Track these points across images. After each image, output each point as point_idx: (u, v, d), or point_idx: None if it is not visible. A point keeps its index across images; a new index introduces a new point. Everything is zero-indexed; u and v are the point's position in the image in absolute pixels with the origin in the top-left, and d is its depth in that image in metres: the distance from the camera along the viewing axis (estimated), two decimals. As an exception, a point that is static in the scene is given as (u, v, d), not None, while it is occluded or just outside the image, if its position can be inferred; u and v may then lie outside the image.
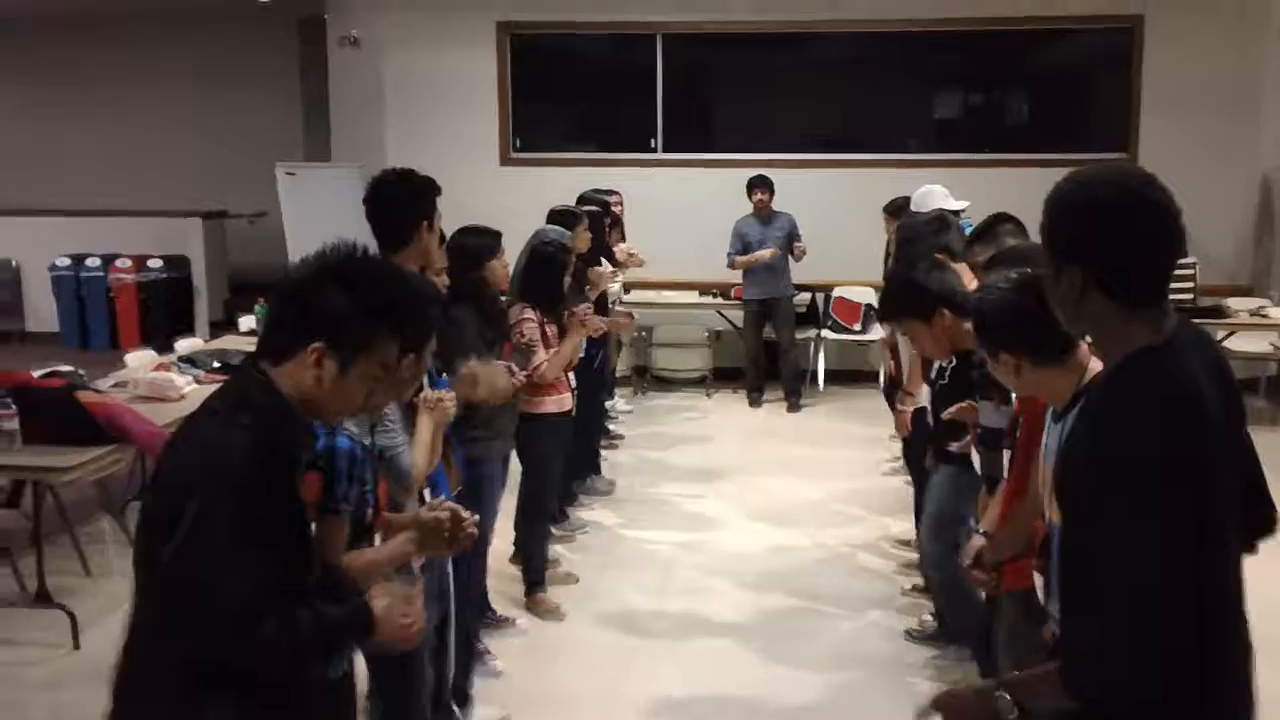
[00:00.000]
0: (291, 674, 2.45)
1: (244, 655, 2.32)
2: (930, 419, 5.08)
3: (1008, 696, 2.35)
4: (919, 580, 6.35)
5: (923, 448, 5.44)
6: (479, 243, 5.13)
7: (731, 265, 10.66)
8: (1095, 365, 2.80)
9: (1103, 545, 2.15)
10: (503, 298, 5.62)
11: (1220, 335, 8.88)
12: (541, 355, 5.74)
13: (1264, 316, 10.03)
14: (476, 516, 3.18)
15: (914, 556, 6.62)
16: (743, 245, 10.60)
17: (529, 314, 5.76)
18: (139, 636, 2.42)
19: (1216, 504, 2.15)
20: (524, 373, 5.40)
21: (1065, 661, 2.24)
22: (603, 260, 7.70)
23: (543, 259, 5.89)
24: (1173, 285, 2.32)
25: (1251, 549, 2.45)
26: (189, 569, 2.25)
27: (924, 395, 5.36)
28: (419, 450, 3.67)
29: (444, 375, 4.36)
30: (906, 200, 7.78)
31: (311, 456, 2.50)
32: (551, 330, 5.86)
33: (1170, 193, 2.23)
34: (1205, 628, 2.14)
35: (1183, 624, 2.09)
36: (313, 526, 2.51)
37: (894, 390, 6.43)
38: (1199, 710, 2.20)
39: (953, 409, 4.50)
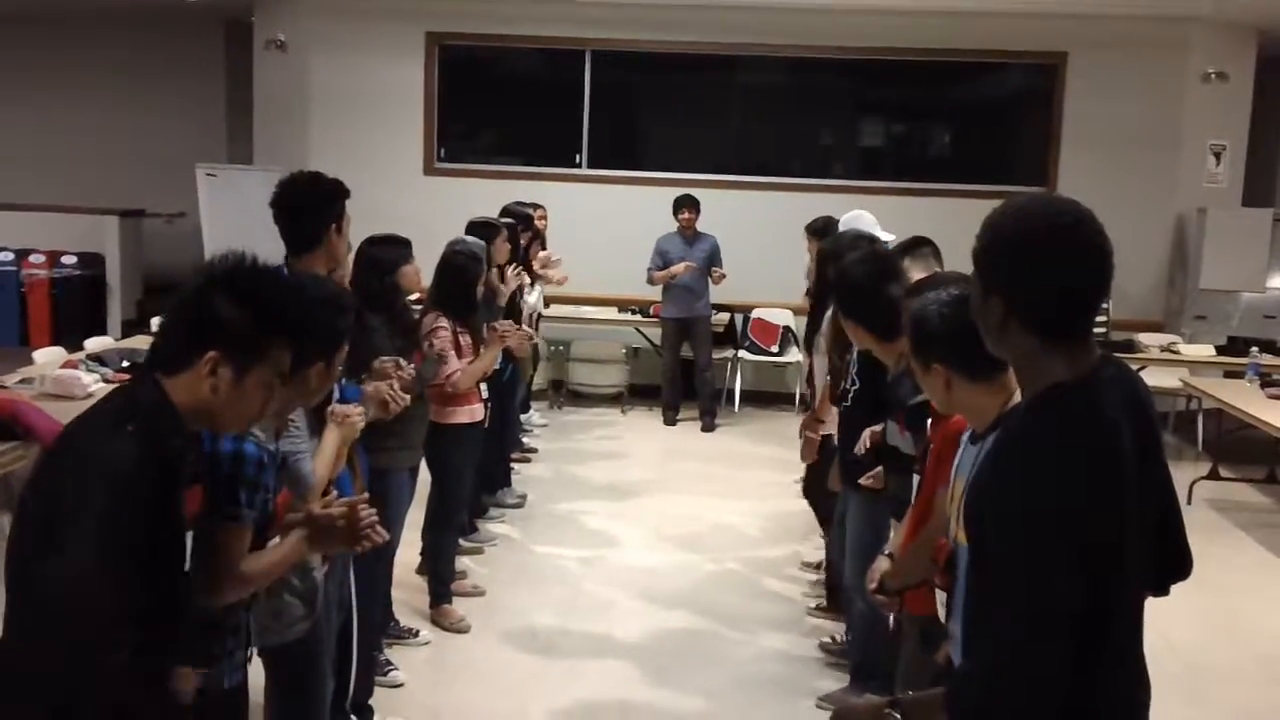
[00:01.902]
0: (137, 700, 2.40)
1: (99, 674, 2.27)
2: (835, 441, 5.14)
3: (898, 716, 2.36)
4: (823, 601, 6.41)
5: (827, 468, 5.47)
6: (389, 251, 5.11)
7: (650, 281, 10.69)
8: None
9: (996, 585, 2.16)
10: (417, 306, 5.60)
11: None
12: (455, 364, 5.73)
13: (1174, 353, 10.24)
14: (374, 511, 3.13)
15: (819, 578, 6.68)
16: (664, 262, 10.64)
17: (442, 322, 5.75)
18: (12, 638, 2.37)
19: (1119, 548, 2.14)
20: (441, 377, 5.41)
21: (951, 687, 2.26)
22: (525, 282, 7.71)
23: (453, 269, 5.89)
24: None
25: (1163, 591, 2.46)
26: (58, 579, 2.21)
27: (833, 422, 5.39)
28: (322, 459, 3.64)
29: (356, 384, 4.35)
30: (829, 220, 7.82)
31: (195, 469, 2.48)
32: (465, 340, 5.85)
33: (1103, 232, 2.21)
34: (1101, 669, 2.15)
35: (1064, 667, 2.09)
36: (189, 543, 2.47)
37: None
38: None
39: (863, 440, 4.55)
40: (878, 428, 4.50)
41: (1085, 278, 2.21)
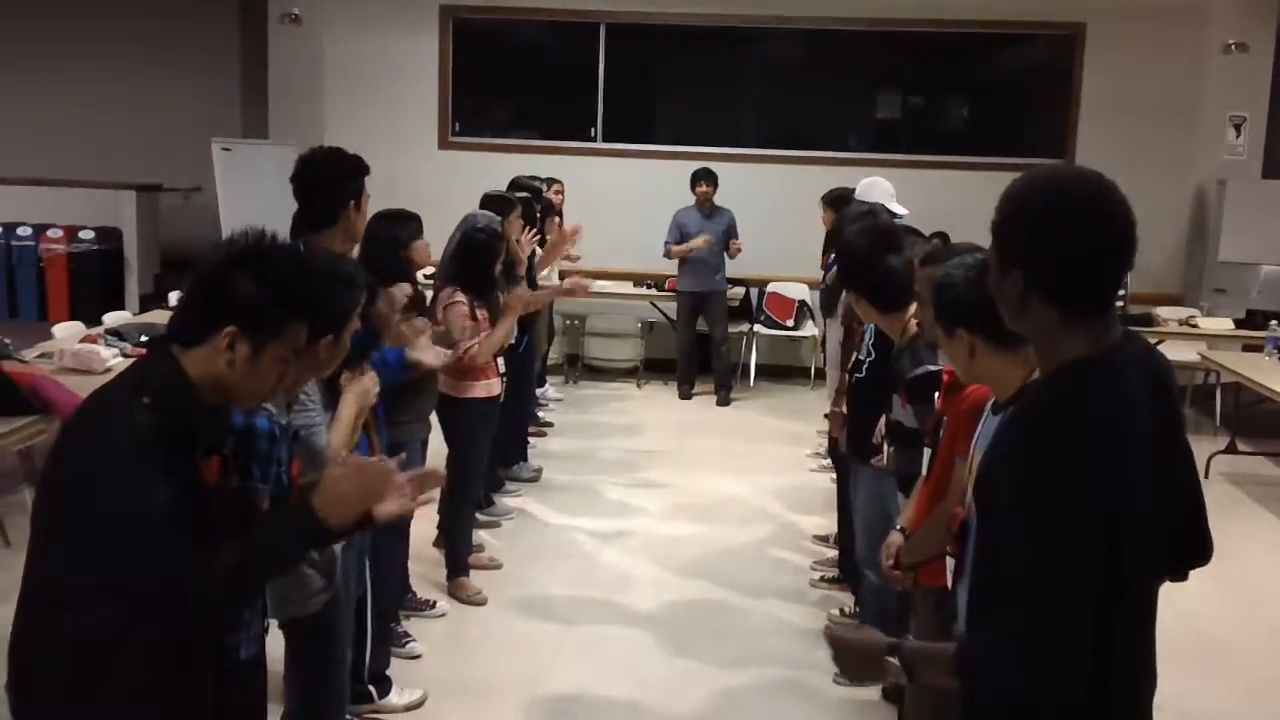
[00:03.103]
0: (230, 619, 2.50)
1: (183, 618, 2.32)
2: (848, 414, 5.16)
3: (897, 663, 2.34)
4: (830, 572, 6.43)
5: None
6: (399, 227, 5.10)
7: (668, 255, 10.68)
8: None
9: (1010, 558, 2.15)
10: (424, 278, 5.59)
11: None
12: (466, 320, 5.74)
13: (1193, 326, 10.20)
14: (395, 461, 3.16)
15: (831, 553, 6.69)
16: (681, 235, 10.63)
17: (459, 297, 5.76)
18: (36, 607, 2.42)
19: (1134, 525, 2.13)
20: (460, 351, 5.45)
21: (962, 653, 2.25)
22: (537, 250, 7.71)
23: (474, 246, 5.88)
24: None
25: (1182, 576, 2.45)
26: (94, 545, 2.25)
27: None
28: (339, 429, 3.65)
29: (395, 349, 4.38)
30: (845, 191, 7.82)
31: (211, 441, 2.50)
32: (482, 315, 5.86)
33: (1126, 203, 2.17)
34: (1110, 652, 2.14)
35: (1079, 646, 2.08)
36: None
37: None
38: None
39: (879, 430, 4.55)
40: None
41: (1109, 249, 2.17)
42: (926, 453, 3.81)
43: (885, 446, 4.49)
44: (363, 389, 3.80)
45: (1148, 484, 2.16)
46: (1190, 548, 2.45)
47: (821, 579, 6.46)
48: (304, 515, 2.44)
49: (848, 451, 5.20)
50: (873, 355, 4.81)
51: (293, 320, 2.47)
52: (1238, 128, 11.34)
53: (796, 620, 6.05)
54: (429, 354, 4.74)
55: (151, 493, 2.26)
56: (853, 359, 5.02)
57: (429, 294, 5.82)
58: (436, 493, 3.30)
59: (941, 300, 3.09)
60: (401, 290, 4.67)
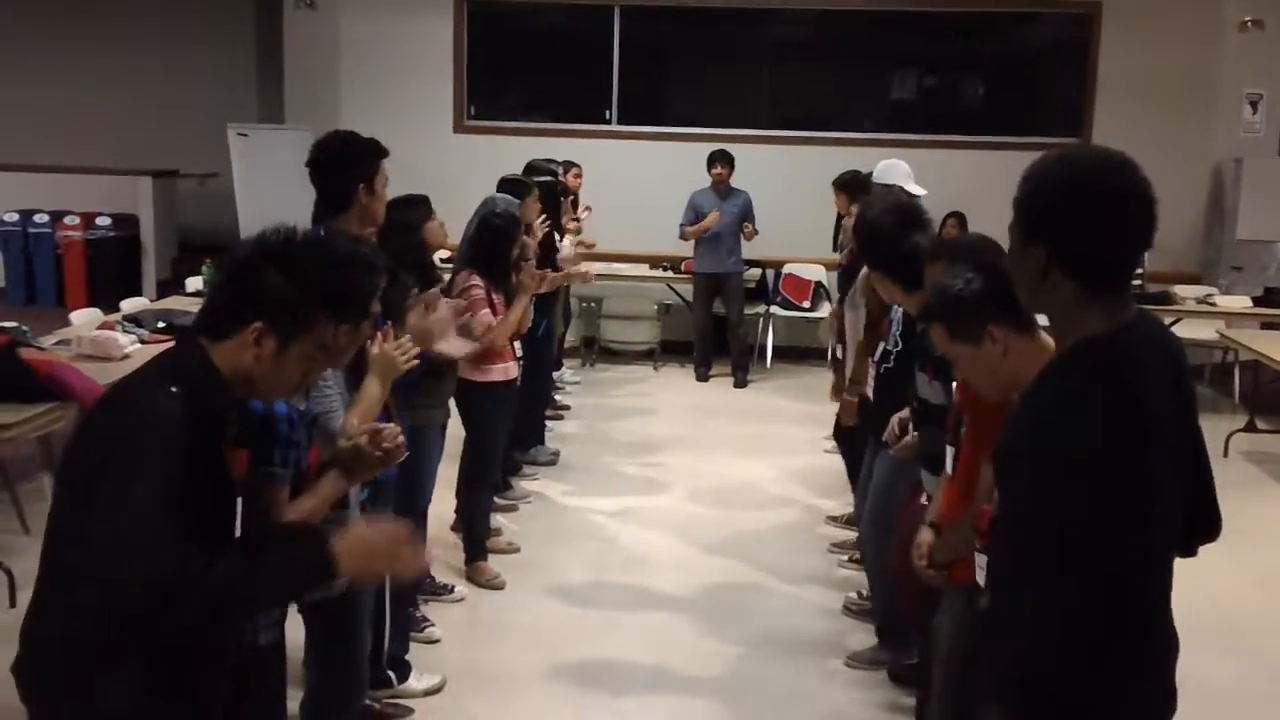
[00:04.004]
0: (221, 631, 2.47)
1: (165, 620, 2.29)
2: (873, 400, 5.12)
3: None
4: (856, 553, 6.42)
5: (864, 434, 5.45)
6: (410, 211, 5.07)
7: (683, 236, 10.66)
8: None
9: (1027, 529, 2.19)
10: (442, 260, 5.58)
11: (1167, 322, 8.98)
12: (491, 321, 5.75)
13: (1211, 304, 10.17)
14: (397, 429, 3.17)
15: (849, 535, 6.69)
16: (695, 217, 10.60)
17: (475, 280, 5.76)
18: (49, 593, 2.44)
19: (1148, 500, 2.15)
20: (478, 333, 5.47)
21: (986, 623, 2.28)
22: (555, 235, 7.71)
23: (492, 231, 5.88)
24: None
25: (1191, 552, 2.46)
26: (109, 531, 2.24)
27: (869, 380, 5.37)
28: (360, 408, 3.64)
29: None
30: (856, 175, 7.79)
31: (237, 432, 2.51)
32: (498, 298, 5.86)
33: (1147, 180, 2.22)
34: (1128, 622, 2.17)
35: (1091, 615, 2.13)
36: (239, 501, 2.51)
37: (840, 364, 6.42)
38: (1126, 702, 2.23)
39: (891, 428, 4.52)
40: (904, 414, 4.46)
41: (1130, 226, 2.22)
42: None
43: (910, 430, 4.44)
44: (386, 360, 3.79)
45: (1167, 457, 2.19)
46: (1200, 524, 2.46)
47: (850, 560, 6.45)
48: (319, 554, 2.42)
49: (871, 436, 5.17)
50: (899, 345, 4.78)
51: (320, 317, 2.48)
52: (1254, 105, 11.28)
53: (817, 600, 6.05)
54: (452, 345, 4.75)
55: (168, 481, 2.26)
56: (879, 349, 4.98)
57: (446, 278, 5.81)
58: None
59: (959, 313, 3.09)
60: (432, 295, 4.67)
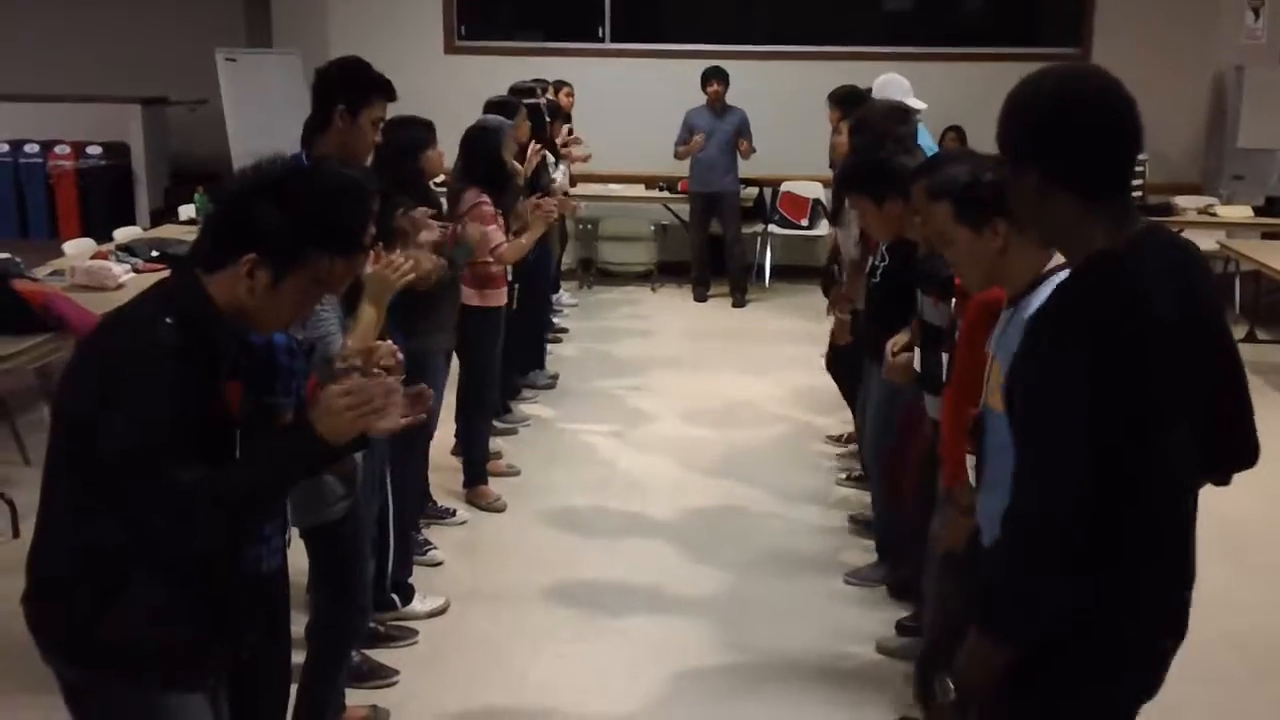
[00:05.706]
0: (234, 534, 2.50)
1: (182, 535, 2.33)
2: (864, 316, 5.11)
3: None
4: (856, 471, 6.43)
5: (858, 353, 5.43)
6: (411, 133, 5.03)
7: (677, 155, 10.60)
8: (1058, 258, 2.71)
9: (1021, 450, 2.22)
10: (436, 185, 5.52)
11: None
12: (499, 237, 5.71)
13: (1212, 215, 10.12)
14: (391, 344, 3.16)
15: (846, 450, 6.70)
16: (691, 135, 10.51)
17: (483, 198, 5.71)
18: (51, 521, 2.45)
19: (1147, 427, 2.15)
20: (486, 252, 5.45)
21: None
22: (547, 154, 7.63)
23: (472, 140, 5.84)
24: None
25: (1225, 480, 2.48)
26: (113, 457, 2.26)
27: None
28: (358, 330, 3.61)
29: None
30: (853, 89, 7.71)
31: (233, 365, 2.49)
32: (499, 220, 5.82)
33: (1124, 88, 2.22)
34: (1142, 548, 2.20)
35: (1065, 543, 2.15)
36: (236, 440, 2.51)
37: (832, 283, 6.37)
38: (1132, 620, 2.27)
39: (888, 355, 4.48)
40: (902, 337, 4.41)
41: (1117, 130, 2.22)
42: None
43: (913, 350, 4.41)
44: (379, 279, 3.75)
45: (1169, 379, 2.17)
46: (1232, 449, 2.45)
47: (848, 478, 6.46)
48: (301, 433, 2.42)
49: (865, 353, 5.15)
50: (886, 260, 4.75)
51: (314, 250, 2.45)
52: (1256, 11, 11.16)
53: (816, 520, 6.07)
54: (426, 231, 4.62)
55: (169, 409, 2.27)
56: (869, 264, 4.96)
57: (444, 202, 5.76)
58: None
59: (964, 200, 3.05)
60: (423, 213, 4.61)
